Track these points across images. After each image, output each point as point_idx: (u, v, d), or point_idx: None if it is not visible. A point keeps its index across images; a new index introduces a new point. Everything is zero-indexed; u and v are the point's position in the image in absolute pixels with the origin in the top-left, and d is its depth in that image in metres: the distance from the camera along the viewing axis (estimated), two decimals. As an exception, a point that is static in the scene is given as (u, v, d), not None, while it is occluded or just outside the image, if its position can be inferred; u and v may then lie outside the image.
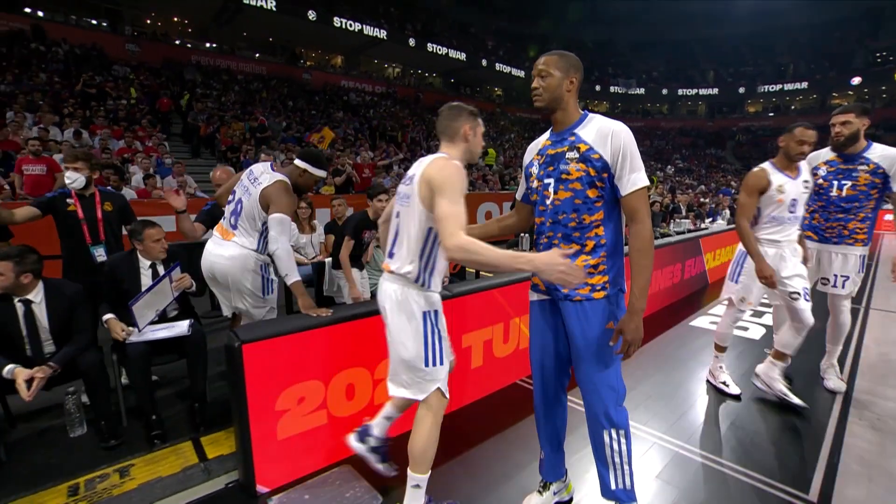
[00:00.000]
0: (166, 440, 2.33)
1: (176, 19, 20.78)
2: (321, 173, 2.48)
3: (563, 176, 1.54)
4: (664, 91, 34.63)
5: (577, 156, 1.51)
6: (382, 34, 22.15)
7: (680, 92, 34.42)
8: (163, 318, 2.63)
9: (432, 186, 1.48)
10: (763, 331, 4.16)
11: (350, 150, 11.80)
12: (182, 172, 7.32)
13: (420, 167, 1.59)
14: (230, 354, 1.78)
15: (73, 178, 2.70)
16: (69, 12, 17.14)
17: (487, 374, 2.78)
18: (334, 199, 4.30)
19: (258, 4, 17.89)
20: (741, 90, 32.67)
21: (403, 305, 1.61)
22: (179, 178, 7.23)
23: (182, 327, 2.51)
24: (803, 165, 2.62)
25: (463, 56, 25.89)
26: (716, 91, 33.63)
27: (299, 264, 4.14)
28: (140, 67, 15.00)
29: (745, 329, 4.20)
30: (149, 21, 20.35)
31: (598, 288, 1.53)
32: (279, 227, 2.22)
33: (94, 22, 17.47)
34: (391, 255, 1.69)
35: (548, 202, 1.59)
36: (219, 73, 17.59)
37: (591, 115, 1.56)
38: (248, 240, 2.39)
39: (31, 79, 11.51)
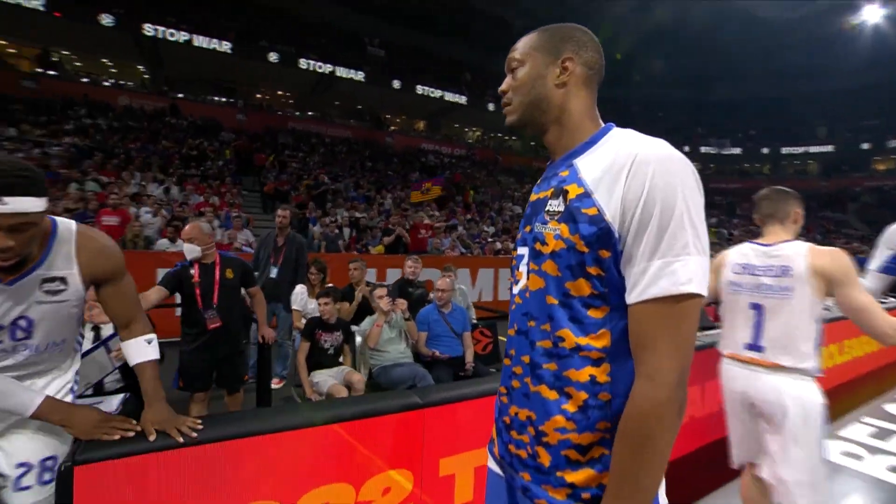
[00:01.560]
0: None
1: (280, 93, 23.46)
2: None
3: (537, 246, 0.82)
4: (764, 150, 31.61)
5: (562, 208, 0.79)
6: (462, 100, 23.05)
7: (784, 150, 31.19)
8: (98, 391, 2.23)
9: (832, 278, 1.57)
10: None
11: (414, 210, 11.77)
12: (240, 227, 7.54)
13: (797, 259, 1.63)
14: (57, 478, 1.25)
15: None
16: (199, 92, 20.04)
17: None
18: (352, 262, 3.85)
19: (349, 77, 19.60)
20: (865, 146, 28.79)
21: (803, 405, 1.60)
22: (230, 231, 7.47)
23: (111, 404, 2.08)
24: None
25: (542, 119, 25.98)
26: (830, 148, 29.98)
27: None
28: (241, 133, 16.81)
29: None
30: (259, 95, 23.18)
31: (582, 493, 0.75)
32: None
33: (215, 98, 20.18)
34: (759, 348, 1.71)
35: (516, 290, 0.89)
36: (309, 137, 19.17)
37: (616, 131, 0.84)
38: None
39: (154, 145, 13.32)
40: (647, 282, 0.69)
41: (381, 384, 3.09)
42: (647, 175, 0.70)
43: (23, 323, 1.27)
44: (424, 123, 26.90)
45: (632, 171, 0.71)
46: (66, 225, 1.31)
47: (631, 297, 0.71)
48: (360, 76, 19.82)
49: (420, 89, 21.65)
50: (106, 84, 17.78)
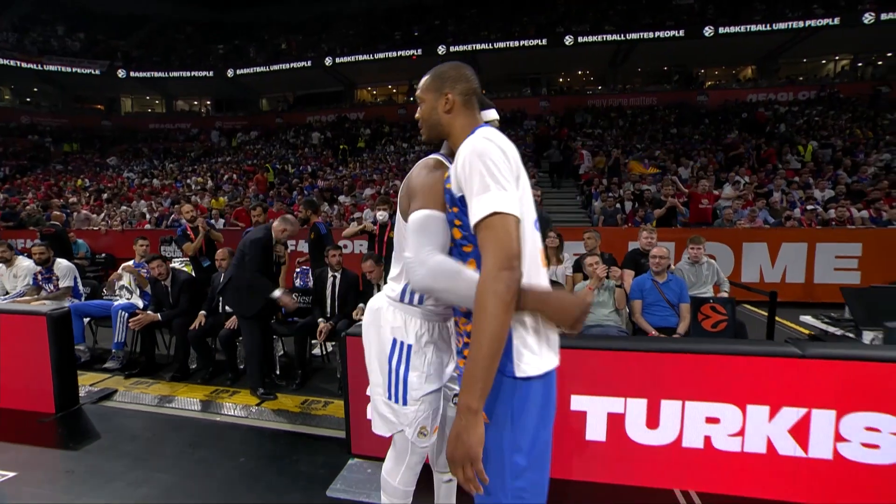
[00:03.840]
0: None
1: (579, 72, 23.92)
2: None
3: None
4: None
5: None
6: (812, 23, 17.43)
7: None
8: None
9: None
10: None
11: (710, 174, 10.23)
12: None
13: None
14: (339, 342, 2.34)
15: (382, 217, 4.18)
16: (510, 89, 22.90)
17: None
18: (586, 232, 4.08)
19: (647, 38, 18.16)
20: None
21: None
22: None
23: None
24: None
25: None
26: None
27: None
28: (540, 119, 18.37)
29: None
30: (560, 80, 24.32)
31: (464, 351, 1.19)
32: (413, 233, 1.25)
33: (525, 91, 22.57)
34: None
35: None
36: (608, 111, 18.89)
37: (473, 134, 1.15)
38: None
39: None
40: (472, 214, 1.06)
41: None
42: (461, 159, 1.09)
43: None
44: (753, 69, 21.86)
45: (457, 156, 1.12)
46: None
47: (473, 228, 1.07)
48: (659, 34, 18.03)
49: (742, 28, 17.72)
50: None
